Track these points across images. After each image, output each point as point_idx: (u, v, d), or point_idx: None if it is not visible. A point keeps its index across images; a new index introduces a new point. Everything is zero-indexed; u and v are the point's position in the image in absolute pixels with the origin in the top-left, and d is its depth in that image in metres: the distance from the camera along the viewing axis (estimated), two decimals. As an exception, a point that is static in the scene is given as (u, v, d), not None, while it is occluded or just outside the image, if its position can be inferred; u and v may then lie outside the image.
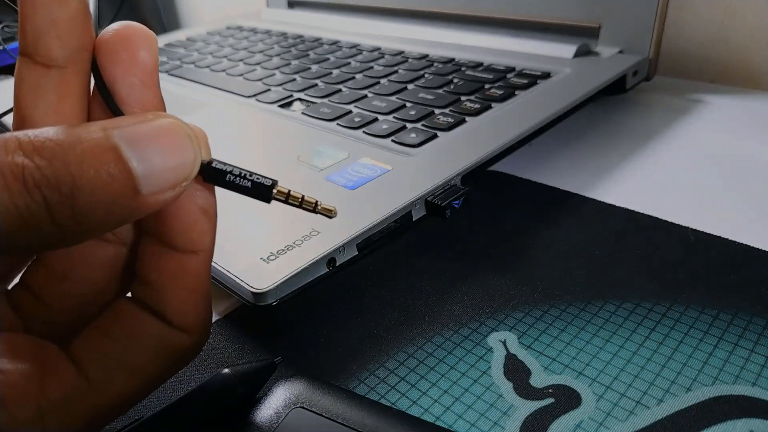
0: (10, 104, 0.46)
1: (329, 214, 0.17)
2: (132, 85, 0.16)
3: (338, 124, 0.35)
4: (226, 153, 0.30)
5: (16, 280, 0.18)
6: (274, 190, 0.16)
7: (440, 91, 0.38)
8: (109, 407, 0.16)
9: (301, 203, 0.16)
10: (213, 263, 0.23)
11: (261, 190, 0.16)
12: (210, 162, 0.16)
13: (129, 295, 0.18)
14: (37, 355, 0.16)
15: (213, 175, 0.16)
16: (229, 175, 0.16)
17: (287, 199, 0.16)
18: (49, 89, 0.16)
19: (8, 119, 0.41)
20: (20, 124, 0.16)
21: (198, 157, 0.15)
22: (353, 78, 0.42)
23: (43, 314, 0.17)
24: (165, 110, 0.17)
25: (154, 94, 0.16)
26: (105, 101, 0.16)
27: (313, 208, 0.17)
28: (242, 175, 0.16)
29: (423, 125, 0.33)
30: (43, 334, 0.17)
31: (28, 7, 0.15)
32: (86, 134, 0.13)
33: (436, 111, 0.35)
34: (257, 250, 0.23)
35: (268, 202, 0.16)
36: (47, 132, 0.13)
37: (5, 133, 0.13)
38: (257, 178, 0.16)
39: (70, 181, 0.13)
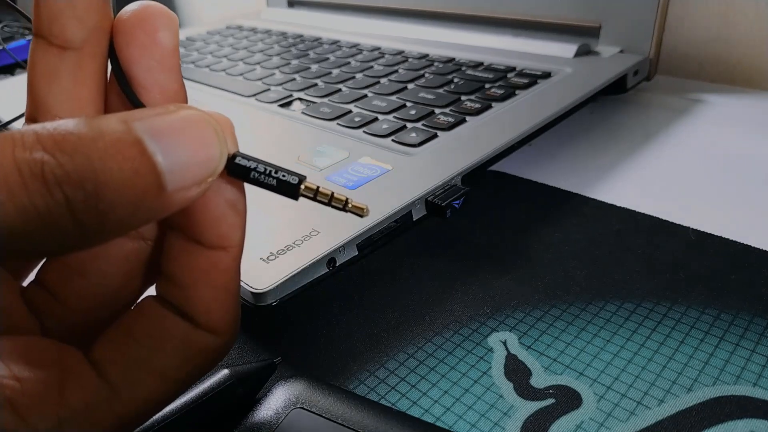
0: (10, 104, 0.46)
1: (360, 212, 0.15)
2: (150, 68, 0.15)
3: (338, 123, 0.35)
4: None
5: (32, 277, 0.17)
6: (302, 187, 0.15)
7: (440, 90, 0.38)
8: (133, 413, 0.15)
9: (330, 200, 0.15)
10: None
11: (287, 188, 0.15)
12: (234, 157, 0.15)
13: (154, 294, 0.17)
14: (56, 359, 0.15)
15: (238, 170, 0.15)
16: (253, 172, 0.15)
17: (315, 196, 0.15)
18: (64, 73, 0.15)
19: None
20: (33, 109, 0.15)
21: (224, 151, 0.14)
22: (353, 77, 0.42)
23: (61, 314, 0.16)
24: (185, 94, 0.16)
25: (174, 78, 0.16)
26: (119, 85, 0.15)
27: (343, 206, 0.15)
28: (267, 172, 0.15)
29: (423, 125, 0.33)
30: (62, 336, 0.16)
31: None
32: (108, 127, 0.12)
33: (437, 111, 0.35)
34: (257, 250, 0.23)
35: (296, 199, 0.15)
36: (67, 125, 0.12)
37: (22, 128, 0.12)
38: (283, 176, 0.15)
39: (93, 177, 0.12)
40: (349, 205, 0.15)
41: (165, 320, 0.16)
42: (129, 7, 0.15)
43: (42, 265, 0.17)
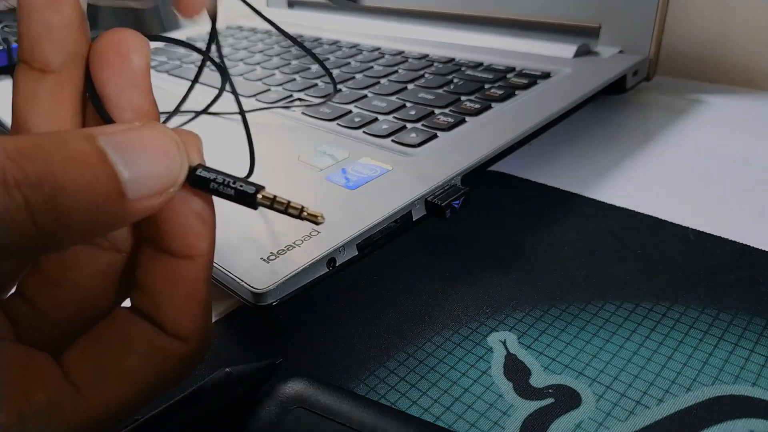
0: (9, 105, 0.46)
1: (315, 219, 0.16)
2: (122, 87, 0.16)
3: (338, 124, 0.35)
4: (225, 154, 0.30)
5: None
6: (259, 196, 0.16)
7: (440, 91, 0.38)
8: (98, 415, 0.16)
9: (287, 208, 0.16)
10: (213, 263, 0.23)
11: (245, 197, 0.16)
12: (195, 169, 0.16)
13: (128, 306, 0.18)
14: (23, 362, 0.16)
15: (199, 181, 0.16)
16: (212, 182, 0.16)
17: (272, 204, 0.16)
18: (44, 94, 0.16)
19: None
20: (17, 127, 0.16)
21: (185, 163, 0.15)
22: (353, 78, 0.42)
23: (38, 322, 0.17)
24: (157, 111, 0.17)
25: (144, 97, 0.17)
26: (93, 104, 0.16)
27: (299, 213, 0.16)
28: (226, 182, 0.16)
29: (423, 125, 0.33)
30: (36, 343, 0.17)
31: (24, 14, 0.16)
32: (71, 138, 0.13)
33: (436, 111, 0.35)
34: (257, 250, 0.23)
35: (255, 208, 0.16)
36: (33, 137, 0.13)
37: None
38: (241, 186, 0.16)
39: (53, 180, 0.12)
40: (305, 213, 0.16)
41: (135, 327, 0.17)
42: (103, 33, 0.16)
43: (23, 277, 0.18)
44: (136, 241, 0.18)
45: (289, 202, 0.16)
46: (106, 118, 0.16)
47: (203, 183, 0.16)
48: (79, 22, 0.16)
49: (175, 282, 0.17)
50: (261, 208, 0.16)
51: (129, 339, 0.17)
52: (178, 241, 0.17)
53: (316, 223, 0.16)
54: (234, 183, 0.16)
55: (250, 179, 0.17)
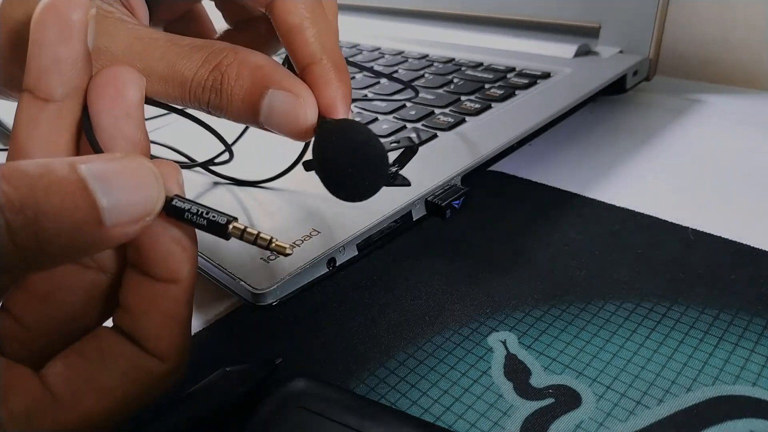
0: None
1: (283, 251, 0.17)
2: (116, 117, 0.17)
3: (338, 124, 0.35)
4: (224, 155, 0.30)
5: None
6: (230, 227, 0.17)
7: (440, 90, 0.38)
8: (76, 424, 0.17)
9: (256, 240, 0.17)
10: (213, 264, 0.23)
11: (217, 228, 0.17)
12: (171, 200, 0.16)
13: (111, 325, 0.19)
14: (2, 371, 0.16)
15: (174, 211, 0.17)
16: (187, 213, 0.17)
17: (242, 235, 0.17)
18: (44, 122, 0.17)
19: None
20: (14, 153, 0.17)
21: (161, 194, 0.16)
22: (353, 78, 0.42)
23: (22, 337, 0.18)
24: (148, 141, 0.18)
25: (138, 128, 0.18)
26: (85, 132, 0.17)
27: (267, 245, 0.17)
28: (199, 213, 0.17)
29: (423, 125, 0.33)
30: (18, 356, 0.18)
31: (35, 47, 0.17)
32: (55, 167, 0.14)
33: (436, 111, 0.35)
34: (257, 250, 0.23)
35: (227, 239, 0.17)
36: (20, 163, 0.14)
37: None
38: (213, 216, 0.17)
39: (34, 205, 0.13)
40: (273, 244, 0.17)
41: (115, 344, 0.18)
42: (104, 68, 0.18)
43: (9, 294, 0.18)
44: (121, 262, 0.19)
45: (258, 233, 0.17)
46: (96, 148, 0.17)
47: (178, 213, 0.17)
48: (85, 58, 0.17)
49: (157, 303, 0.18)
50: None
51: (109, 355, 0.18)
52: (160, 266, 0.18)
53: (285, 255, 0.17)
54: (207, 213, 0.17)
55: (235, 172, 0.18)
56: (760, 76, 0.47)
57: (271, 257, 0.23)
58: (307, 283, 0.23)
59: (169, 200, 0.16)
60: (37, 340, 0.18)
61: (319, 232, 0.24)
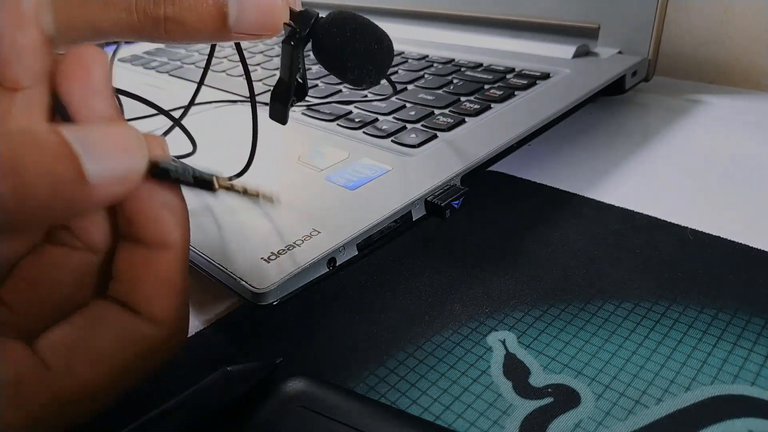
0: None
1: (270, 200, 0.18)
2: (86, 95, 0.17)
3: (338, 124, 0.35)
4: (225, 154, 0.30)
5: None
6: (217, 181, 0.18)
7: (440, 91, 0.38)
8: (71, 393, 0.16)
9: (244, 192, 0.18)
10: (214, 263, 0.24)
11: (203, 184, 0.18)
12: (157, 163, 0.17)
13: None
14: None
15: (160, 172, 0.17)
16: (172, 172, 0.17)
17: (230, 189, 0.18)
18: (16, 110, 0.17)
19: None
20: None
21: (145, 154, 0.16)
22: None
23: (14, 322, 0.18)
24: (122, 116, 0.19)
25: (109, 104, 0.18)
26: (58, 112, 0.18)
27: (256, 195, 0.18)
28: (186, 171, 0.17)
29: (423, 125, 0.34)
30: (10, 335, 0.17)
31: None
32: (37, 128, 0.14)
33: (436, 111, 0.35)
34: (258, 250, 0.24)
35: (213, 192, 0.18)
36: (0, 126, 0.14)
37: None
38: (199, 173, 0.18)
39: (13, 158, 0.13)
40: (260, 196, 0.18)
41: (107, 310, 0.18)
42: (69, 50, 0.18)
43: None
44: (110, 241, 0.19)
45: (245, 186, 0.18)
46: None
47: (165, 173, 0.17)
48: (45, 43, 0.17)
49: (149, 269, 0.18)
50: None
51: (101, 321, 0.17)
52: (150, 231, 0.18)
53: (272, 203, 0.18)
54: (193, 171, 0.17)
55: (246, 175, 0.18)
56: (760, 77, 0.47)
57: (271, 257, 0.23)
58: (308, 282, 0.23)
59: (154, 163, 0.17)
60: (32, 325, 0.18)
61: (319, 232, 0.24)
